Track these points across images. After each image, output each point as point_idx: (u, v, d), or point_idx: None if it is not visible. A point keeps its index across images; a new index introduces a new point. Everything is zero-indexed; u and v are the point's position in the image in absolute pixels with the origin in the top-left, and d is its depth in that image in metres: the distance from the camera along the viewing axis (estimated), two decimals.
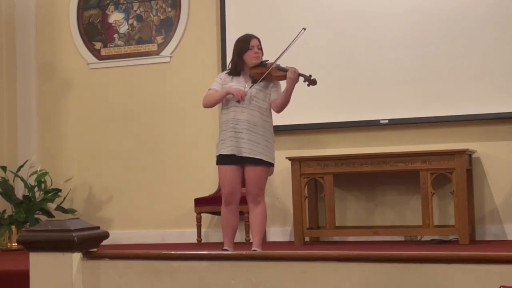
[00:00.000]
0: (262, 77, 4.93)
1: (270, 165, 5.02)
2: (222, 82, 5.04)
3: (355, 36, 6.61)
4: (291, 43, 4.97)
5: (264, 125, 4.98)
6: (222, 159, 4.98)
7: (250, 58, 5.00)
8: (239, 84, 4.99)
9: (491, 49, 6.29)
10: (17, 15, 7.60)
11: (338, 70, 6.65)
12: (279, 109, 5.02)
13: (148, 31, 7.29)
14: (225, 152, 4.94)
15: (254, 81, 4.97)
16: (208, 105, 5.08)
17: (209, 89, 5.06)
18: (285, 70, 4.95)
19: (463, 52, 6.35)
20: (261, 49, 5.05)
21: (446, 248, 5.60)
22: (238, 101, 4.88)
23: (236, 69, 5.04)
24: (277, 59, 4.98)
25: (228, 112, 4.98)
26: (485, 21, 6.31)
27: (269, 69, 4.92)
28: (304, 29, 5.00)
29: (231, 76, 5.05)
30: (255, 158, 4.91)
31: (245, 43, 5.03)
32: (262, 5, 6.92)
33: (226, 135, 4.95)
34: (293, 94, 4.93)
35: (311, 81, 4.94)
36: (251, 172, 4.95)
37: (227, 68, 5.22)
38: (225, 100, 4.99)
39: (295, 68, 4.90)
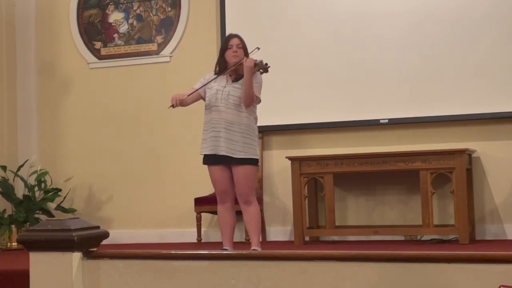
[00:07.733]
0: (227, 71, 5.00)
1: (255, 162, 5.00)
2: (203, 81, 5.10)
3: (355, 36, 6.60)
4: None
5: (242, 121, 4.96)
6: (207, 160, 5.05)
7: (229, 57, 5.04)
8: (220, 83, 5.04)
9: (491, 49, 6.29)
10: (17, 15, 7.60)
11: (338, 70, 6.64)
12: (245, 102, 4.96)
13: (148, 30, 7.29)
14: (205, 152, 5.03)
15: (234, 80, 5.03)
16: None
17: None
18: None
19: (463, 52, 6.35)
20: (242, 47, 5.05)
21: (446, 248, 5.60)
22: (172, 106, 5.01)
23: (219, 68, 5.11)
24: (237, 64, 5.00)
25: (209, 113, 5.04)
26: (485, 21, 6.31)
27: (237, 65, 4.98)
28: (258, 48, 5.01)
29: (216, 75, 5.09)
30: (236, 157, 4.92)
31: (225, 42, 5.11)
32: (262, 5, 6.92)
33: (207, 135, 5.02)
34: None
35: (264, 69, 4.92)
36: (237, 172, 4.97)
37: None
38: (206, 101, 5.06)
39: (251, 58, 4.92)
